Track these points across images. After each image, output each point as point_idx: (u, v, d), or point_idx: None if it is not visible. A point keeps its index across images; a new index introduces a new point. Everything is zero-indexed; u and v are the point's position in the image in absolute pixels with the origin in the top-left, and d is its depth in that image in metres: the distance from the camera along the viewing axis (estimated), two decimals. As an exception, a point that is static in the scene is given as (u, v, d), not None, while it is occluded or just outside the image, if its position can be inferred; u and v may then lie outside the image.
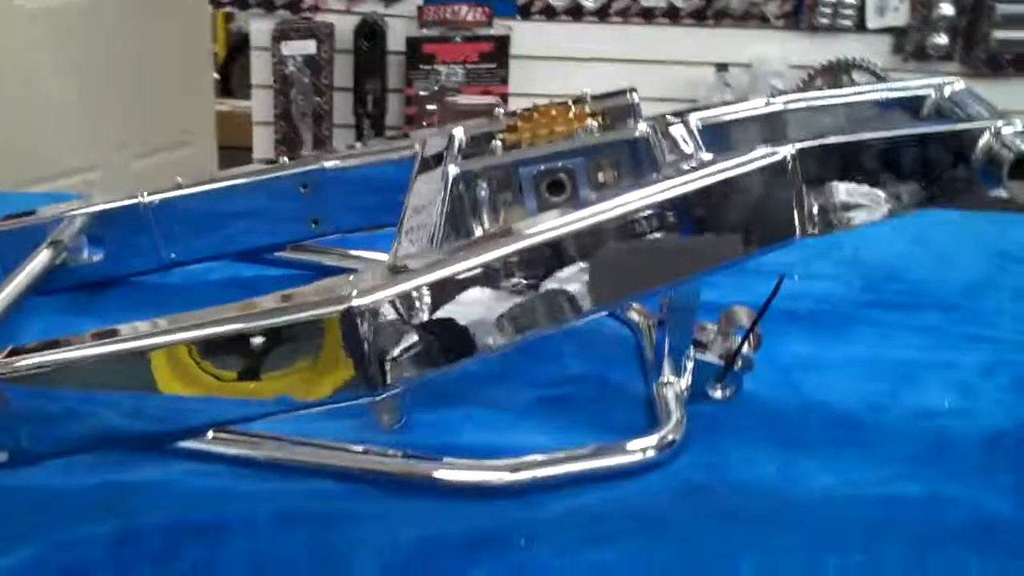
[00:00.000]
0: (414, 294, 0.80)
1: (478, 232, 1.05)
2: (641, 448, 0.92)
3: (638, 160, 1.03)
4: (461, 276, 0.81)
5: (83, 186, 2.91)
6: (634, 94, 1.13)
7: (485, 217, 1.05)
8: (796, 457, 0.94)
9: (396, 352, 0.81)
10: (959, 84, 1.02)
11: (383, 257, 1.22)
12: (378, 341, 0.80)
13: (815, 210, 0.90)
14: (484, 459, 0.89)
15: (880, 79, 2.30)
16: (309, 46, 2.26)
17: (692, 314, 1.00)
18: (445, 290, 0.81)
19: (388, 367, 0.81)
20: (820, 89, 2.35)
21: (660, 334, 1.03)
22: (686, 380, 1.01)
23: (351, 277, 0.83)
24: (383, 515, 0.84)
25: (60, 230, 1.16)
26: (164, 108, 3.10)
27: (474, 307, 0.82)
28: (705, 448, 0.95)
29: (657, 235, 0.86)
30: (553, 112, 1.07)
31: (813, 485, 0.90)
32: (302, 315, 0.80)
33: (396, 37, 2.33)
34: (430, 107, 2.28)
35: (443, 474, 0.89)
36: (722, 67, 2.39)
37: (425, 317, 0.81)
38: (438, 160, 1.07)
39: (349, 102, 2.36)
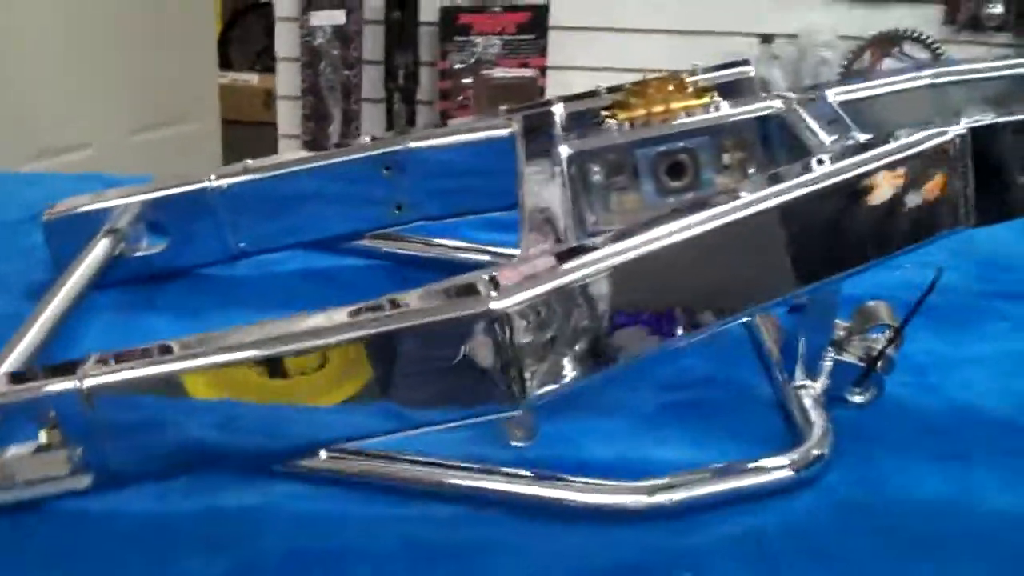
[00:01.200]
0: (558, 295, 0.71)
1: (591, 220, 0.95)
2: (789, 463, 0.83)
3: (769, 140, 0.94)
4: (611, 274, 0.72)
5: (82, 162, 2.80)
6: (749, 68, 1.04)
7: (596, 204, 0.96)
8: (959, 470, 0.85)
9: (540, 361, 0.72)
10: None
11: (470, 247, 1.13)
12: (520, 349, 0.71)
13: (984, 196, 0.81)
14: (619, 480, 0.80)
15: (932, 51, 2.21)
16: (338, 16, 2.15)
17: (833, 312, 0.90)
18: (593, 290, 0.72)
19: (531, 378, 0.72)
20: (868, 63, 2.27)
21: (789, 331, 0.94)
22: (822, 383, 0.92)
23: (484, 276, 0.73)
24: (523, 545, 0.75)
25: (117, 217, 1.06)
26: (164, 81, 2.98)
27: (627, 308, 0.73)
28: (856, 460, 0.86)
29: (819, 225, 0.77)
30: (670, 86, 0.97)
31: (987, 503, 0.81)
32: (437, 319, 0.70)
33: (429, 7, 2.22)
34: (465, 80, 2.17)
35: (577, 497, 0.79)
36: (767, 38, 2.30)
37: (572, 320, 0.72)
38: (541, 141, 0.97)
39: (379, 76, 2.26)
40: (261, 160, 1.06)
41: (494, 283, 0.72)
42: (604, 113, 1.00)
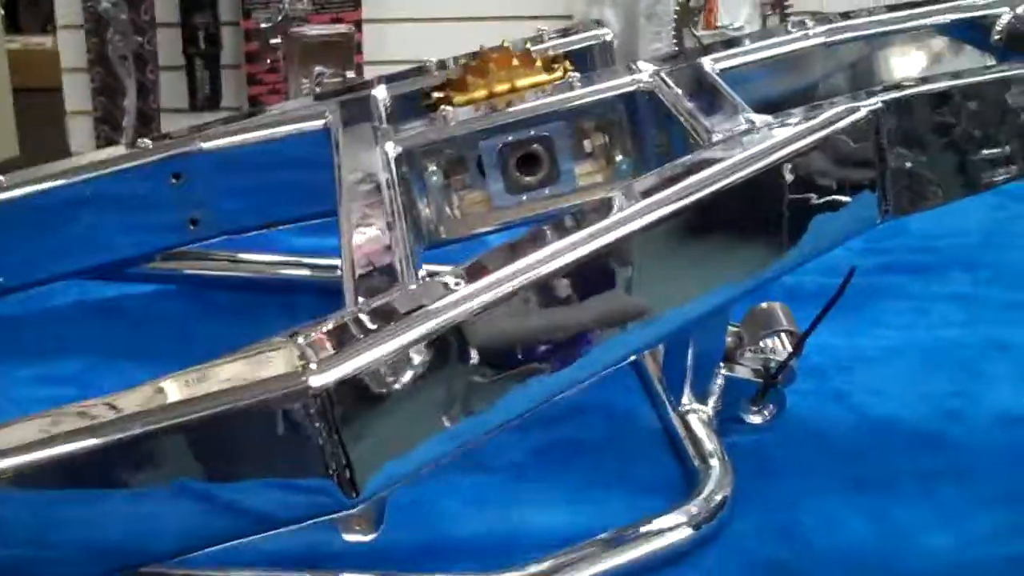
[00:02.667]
0: (399, 356, 0.54)
1: (431, 228, 0.79)
2: (687, 519, 0.68)
3: (637, 120, 0.78)
4: (465, 318, 0.56)
5: None
6: (605, 31, 0.88)
7: (434, 208, 0.79)
8: (885, 505, 0.72)
9: (380, 442, 0.55)
10: (1031, 0, 0.80)
11: (285, 260, 0.96)
12: (353, 431, 0.54)
13: (901, 183, 0.67)
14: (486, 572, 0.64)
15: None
16: (124, -24, 1.91)
17: (724, 320, 0.76)
18: (444, 342, 0.55)
19: (368, 465, 0.55)
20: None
21: (671, 343, 0.79)
22: (713, 403, 0.78)
23: (297, 337, 0.56)
24: None
25: None
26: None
27: (488, 361, 0.57)
28: (764, 501, 0.73)
29: (716, 229, 0.63)
30: (513, 60, 0.80)
31: (924, 549, 0.69)
32: (235, 406, 0.53)
33: (227, -40, 1.99)
34: (274, 41, 1.96)
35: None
36: (597, -23, 2.14)
37: (416, 384, 0.55)
38: (362, 134, 0.80)
39: (177, 40, 2.02)
40: (18, 174, 0.86)
41: (311, 348, 0.55)
42: (436, 95, 0.83)
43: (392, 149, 0.75)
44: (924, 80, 0.68)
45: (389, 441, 0.55)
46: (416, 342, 0.54)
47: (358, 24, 2.04)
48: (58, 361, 0.85)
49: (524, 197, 0.78)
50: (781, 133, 0.64)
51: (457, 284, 0.57)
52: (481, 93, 0.80)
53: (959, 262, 1.04)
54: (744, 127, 0.67)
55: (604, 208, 0.60)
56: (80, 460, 0.52)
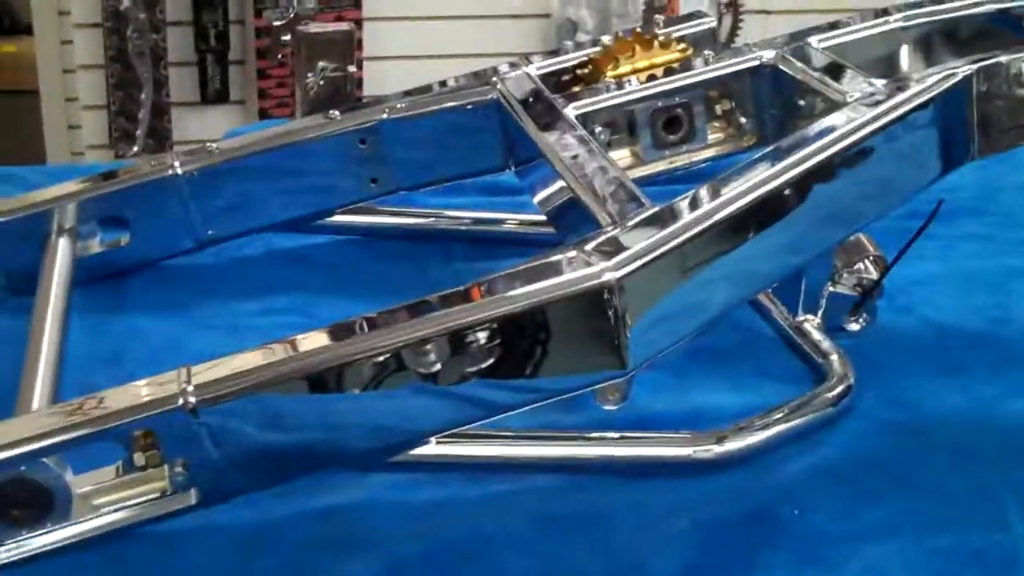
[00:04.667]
0: (669, 253, 0.72)
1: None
2: (830, 397, 0.88)
3: (759, 89, 0.97)
4: (721, 218, 0.74)
5: None
6: (710, 19, 1.07)
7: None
8: (968, 385, 0.92)
9: (651, 323, 0.73)
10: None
11: (435, 212, 1.12)
12: (633, 315, 0.71)
13: (987, 130, 0.87)
14: (691, 431, 0.82)
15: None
16: (141, -23, 2.03)
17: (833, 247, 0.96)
18: (705, 241, 0.73)
19: (640, 342, 0.72)
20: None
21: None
22: (821, 315, 0.97)
23: (583, 246, 0.73)
24: (639, 502, 0.77)
25: (68, 214, 0.99)
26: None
27: (732, 253, 0.75)
28: (877, 385, 0.91)
29: (857, 170, 0.82)
30: (655, 42, 0.99)
31: (1007, 412, 0.89)
32: (549, 297, 0.70)
33: (239, -38, 2.13)
34: (284, 38, 2.10)
35: (669, 452, 0.81)
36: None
37: (682, 276, 0.73)
38: (539, 101, 0.97)
39: (188, 38, 2.15)
40: (227, 141, 1.01)
41: (596, 254, 0.72)
42: (580, 71, 1.01)
43: (572, 112, 0.93)
44: (994, 55, 0.88)
45: (659, 321, 0.73)
46: (685, 243, 0.72)
47: (359, 23, 2.20)
48: (275, 296, 1.00)
49: (667, 152, 0.97)
50: (908, 91, 0.83)
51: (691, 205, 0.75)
52: (628, 68, 0.98)
53: (966, 210, 1.23)
54: (872, 89, 0.86)
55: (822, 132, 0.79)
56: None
